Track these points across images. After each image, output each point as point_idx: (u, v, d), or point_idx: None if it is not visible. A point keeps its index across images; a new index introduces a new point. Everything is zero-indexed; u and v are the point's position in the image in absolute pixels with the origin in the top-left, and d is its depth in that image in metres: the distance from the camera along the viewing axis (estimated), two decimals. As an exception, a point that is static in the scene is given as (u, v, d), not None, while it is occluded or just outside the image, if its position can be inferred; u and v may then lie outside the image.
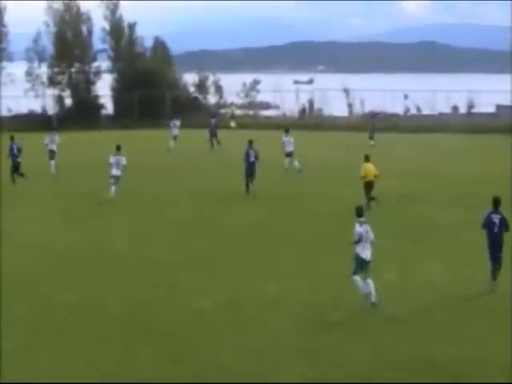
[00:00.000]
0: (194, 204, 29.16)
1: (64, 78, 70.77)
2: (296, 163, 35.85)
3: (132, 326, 15.30)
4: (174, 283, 18.34)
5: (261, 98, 73.81)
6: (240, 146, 33.66)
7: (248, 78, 75.14)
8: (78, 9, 71.52)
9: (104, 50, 73.47)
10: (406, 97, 67.40)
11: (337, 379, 12.69)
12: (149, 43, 75.49)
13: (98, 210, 28.18)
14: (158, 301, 16.98)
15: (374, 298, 16.16)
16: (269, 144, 38.77)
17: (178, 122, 49.67)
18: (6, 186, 32.90)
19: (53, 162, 37.93)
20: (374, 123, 51.82)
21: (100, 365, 13.30)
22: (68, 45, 70.27)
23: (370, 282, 16.19)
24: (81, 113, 66.48)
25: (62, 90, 70.92)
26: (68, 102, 71.23)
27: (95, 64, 72.60)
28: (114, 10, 72.04)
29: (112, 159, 29.91)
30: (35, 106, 69.70)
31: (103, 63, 73.59)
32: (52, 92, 70.61)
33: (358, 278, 16.23)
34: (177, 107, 65.12)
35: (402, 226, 24.41)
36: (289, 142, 36.29)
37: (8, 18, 70.80)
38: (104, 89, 71.87)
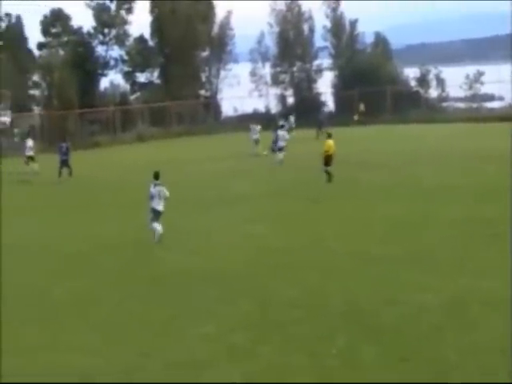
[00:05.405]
0: (408, 198, 29.02)
1: (286, 77, 72.46)
2: None
3: (354, 322, 15.32)
4: (393, 279, 18.20)
5: (485, 89, 71.75)
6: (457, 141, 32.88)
7: (471, 69, 73.08)
8: (300, 8, 73.00)
9: (325, 48, 74.39)
10: None
11: None
12: (369, 39, 75.71)
13: (311, 206, 28.66)
14: (378, 296, 16.92)
15: (160, 231, 22.76)
16: (493, 136, 37.51)
17: None
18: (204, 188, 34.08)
19: (255, 149, 44.70)
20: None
21: (324, 360, 13.47)
22: (290, 44, 71.89)
23: (159, 225, 22.83)
24: (303, 111, 67.78)
25: (285, 89, 72.66)
26: (290, 100, 72.81)
27: (316, 62, 73.73)
28: (335, 7, 72.81)
29: None
30: (259, 105, 71.78)
31: (324, 61, 74.54)
32: (275, 91, 72.45)
33: (153, 225, 22.86)
34: (398, 102, 64.79)
35: None
36: None
37: (234, 21, 73.68)
38: (325, 86, 72.67)
